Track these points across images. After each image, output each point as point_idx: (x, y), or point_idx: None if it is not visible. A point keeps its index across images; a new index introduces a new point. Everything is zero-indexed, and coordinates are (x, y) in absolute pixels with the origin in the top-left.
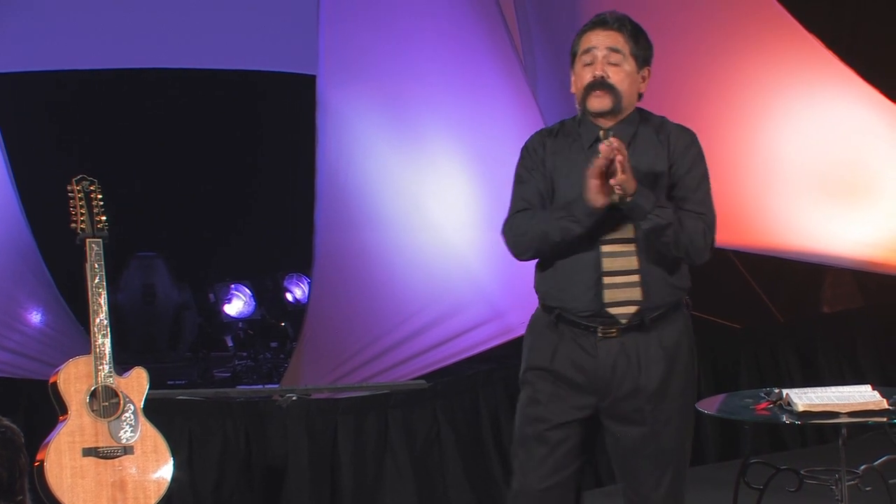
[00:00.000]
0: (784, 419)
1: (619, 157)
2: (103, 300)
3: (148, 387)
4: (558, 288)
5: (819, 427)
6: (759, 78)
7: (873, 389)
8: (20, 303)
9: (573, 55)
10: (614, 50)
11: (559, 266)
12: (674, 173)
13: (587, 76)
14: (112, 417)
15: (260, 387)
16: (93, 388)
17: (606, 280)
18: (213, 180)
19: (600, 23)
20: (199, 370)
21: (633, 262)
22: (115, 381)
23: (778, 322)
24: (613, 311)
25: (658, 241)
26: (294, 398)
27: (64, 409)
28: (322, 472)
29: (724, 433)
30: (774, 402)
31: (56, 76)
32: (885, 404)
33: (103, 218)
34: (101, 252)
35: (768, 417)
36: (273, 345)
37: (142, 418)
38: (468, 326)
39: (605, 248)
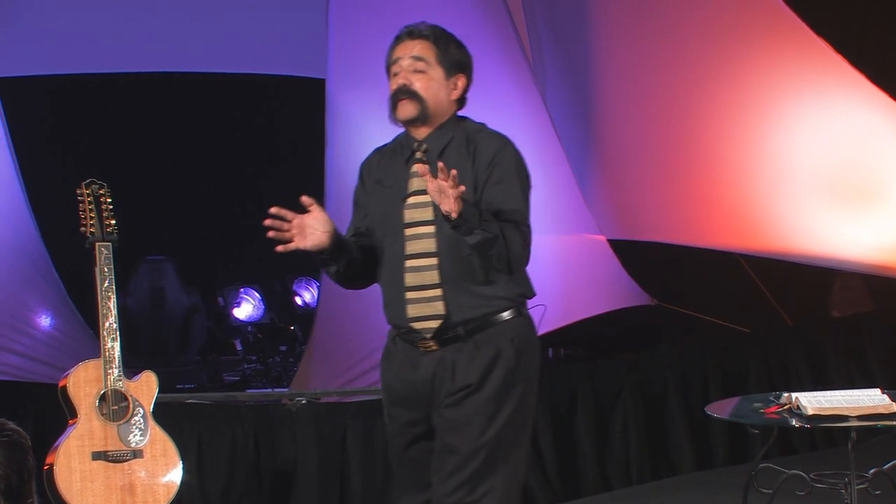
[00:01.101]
0: (793, 423)
1: (430, 185)
2: (113, 304)
3: (157, 390)
4: (385, 304)
5: (828, 430)
6: (769, 81)
7: (882, 393)
8: (29, 306)
9: (386, 69)
10: (418, 58)
11: (382, 283)
12: (480, 183)
13: (393, 86)
14: (121, 421)
15: (269, 390)
16: (102, 392)
17: (409, 295)
18: (222, 183)
19: (407, 34)
20: (209, 374)
21: (434, 277)
22: (124, 385)
23: (787, 326)
24: (417, 325)
25: (483, 256)
26: (303, 402)
27: (73, 413)
28: (331, 476)
29: (733, 437)
30: (784, 406)
31: (65, 80)
32: (894, 408)
33: (112, 221)
34: (111, 256)
35: (778, 421)
36: (282, 348)
37: (151, 422)
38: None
39: (409, 264)
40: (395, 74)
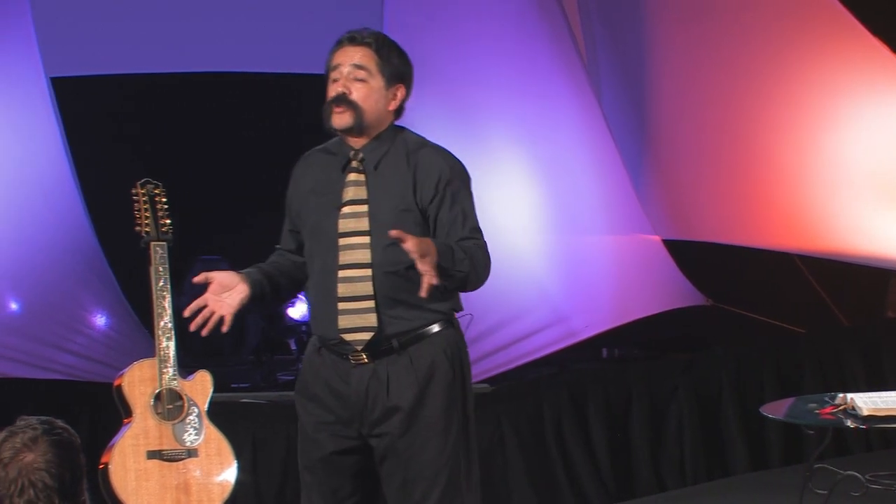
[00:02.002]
0: (848, 423)
1: (418, 264)
2: (167, 303)
3: (212, 390)
4: (312, 315)
5: (884, 431)
6: (824, 81)
7: None
8: (85, 306)
9: (326, 74)
10: (359, 66)
11: (311, 293)
12: (425, 201)
13: (331, 93)
14: (176, 420)
15: None
16: (157, 391)
17: (341, 306)
18: (277, 183)
19: (349, 39)
20: (263, 373)
21: (367, 288)
22: (179, 384)
23: (842, 326)
24: (348, 337)
25: (454, 288)
26: None
27: (128, 412)
28: None
29: (788, 438)
30: (839, 407)
31: (121, 79)
32: None
33: (168, 221)
34: (166, 255)
35: (833, 422)
36: None
37: (206, 421)
38: (531, 330)
39: (342, 274)
40: (335, 81)
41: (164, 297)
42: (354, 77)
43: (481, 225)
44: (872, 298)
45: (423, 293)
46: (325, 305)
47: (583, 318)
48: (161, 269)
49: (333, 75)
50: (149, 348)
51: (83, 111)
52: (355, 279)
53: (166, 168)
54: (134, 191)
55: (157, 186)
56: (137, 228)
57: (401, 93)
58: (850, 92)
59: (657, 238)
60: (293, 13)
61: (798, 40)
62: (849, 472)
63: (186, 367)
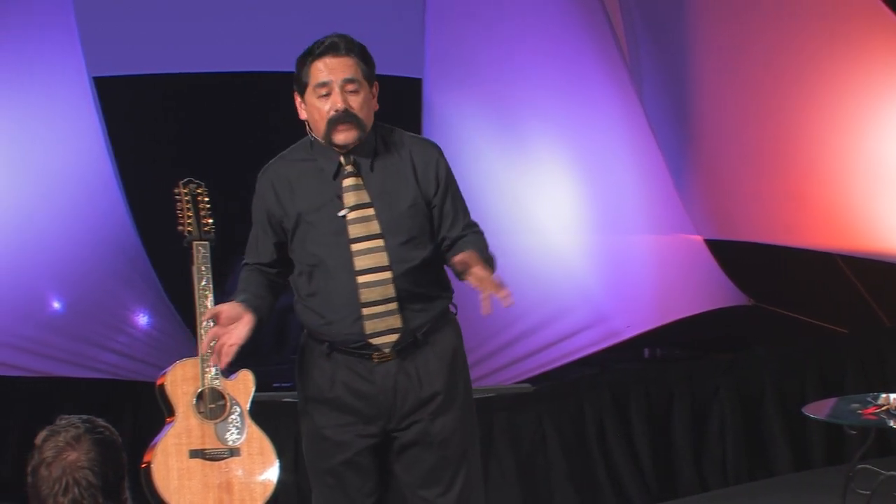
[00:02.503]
0: (891, 424)
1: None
2: (210, 303)
3: (254, 389)
4: (323, 322)
5: None
6: (866, 80)
7: None
8: (127, 305)
9: (302, 84)
10: (350, 80)
11: (319, 301)
12: (429, 196)
13: (326, 109)
14: (218, 419)
15: None
16: (199, 391)
17: (366, 311)
18: None
19: (331, 49)
20: None
21: (388, 291)
22: (221, 384)
23: (885, 326)
24: (375, 341)
25: None
26: None
27: (171, 411)
28: None
29: (830, 438)
30: (881, 407)
31: (163, 79)
32: None
33: (210, 221)
34: (208, 255)
35: (875, 422)
36: None
37: (248, 420)
38: (573, 330)
39: (361, 279)
40: (325, 96)
41: (206, 297)
42: (348, 91)
43: (523, 225)
44: None
45: (486, 311)
46: (343, 312)
47: (624, 319)
48: (203, 268)
49: (322, 90)
50: (191, 347)
51: (126, 111)
52: (376, 283)
53: (209, 167)
54: (176, 190)
55: (199, 186)
56: (180, 228)
57: (376, 90)
58: (892, 91)
59: (699, 238)
60: (337, 13)
61: (840, 39)
62: (891, 473)
63: (228, 366)
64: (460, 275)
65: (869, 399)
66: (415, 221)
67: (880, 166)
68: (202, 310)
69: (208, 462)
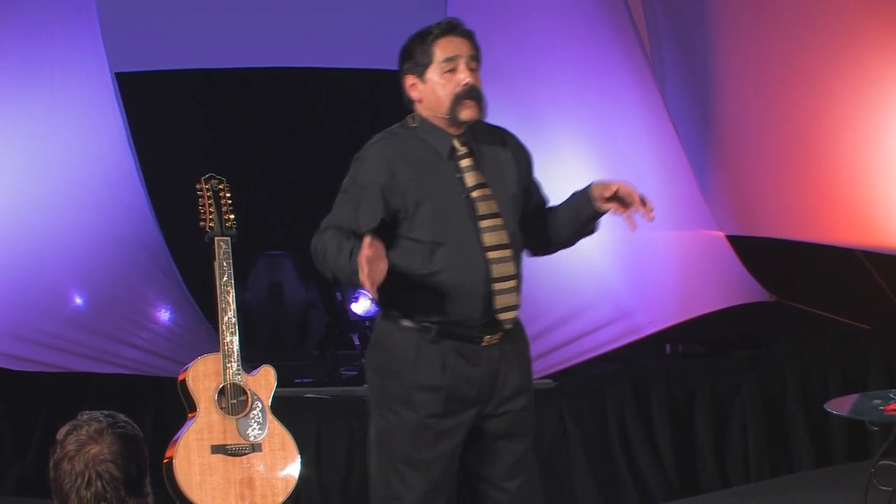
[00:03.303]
0: None
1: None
2: (231, 298)
3: (276, 384)
4: (445, 300)
5: None
6: (889, 76)
7: None
8: (149, 301)
9: (422, 62)
10: (474, 58)
11: (445, 278)
12: (526, 184)
13: (453, 85)
14: (240, 415)
15: None
16: (221, 386)
17: (496, 287)
18: (340, 179)
19: (455, 28)
20: (326, 368)
21: (511, 268)
22: (243, 379)
23: None
24: (502, 316)
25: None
26: None
27: (193, 407)
28: None
29: (852, 434)
30: None
31: (186, 75)
32: None
33: (231, 216)
34: (230, 250)
35: None
36: None
37: (270, 416)
38: (594, 326)
39: (491, 255)
40: (452, 71)
41: (228, 292)
42: (471, 68)
43: None
44: None
45: (634, 227)
46: (474, 288)
47: (646, 314)
48: (225, 264)
49: (449, 65)
50: (213, 343)
51: (148, 106)
52: (502, 260)
53: (230, 163)
54: (198, 186)
55: (221, 182)
56: (202, 223)
57: None
58: None
59: (721, 234)
60: (359, 10)
61: (864, 35)
62: None
63: (250, 361)
64: (594, 203)
65: (891, 395)
66: (518, 204)
67: None
68: (224, 306)
69: (230, 457)
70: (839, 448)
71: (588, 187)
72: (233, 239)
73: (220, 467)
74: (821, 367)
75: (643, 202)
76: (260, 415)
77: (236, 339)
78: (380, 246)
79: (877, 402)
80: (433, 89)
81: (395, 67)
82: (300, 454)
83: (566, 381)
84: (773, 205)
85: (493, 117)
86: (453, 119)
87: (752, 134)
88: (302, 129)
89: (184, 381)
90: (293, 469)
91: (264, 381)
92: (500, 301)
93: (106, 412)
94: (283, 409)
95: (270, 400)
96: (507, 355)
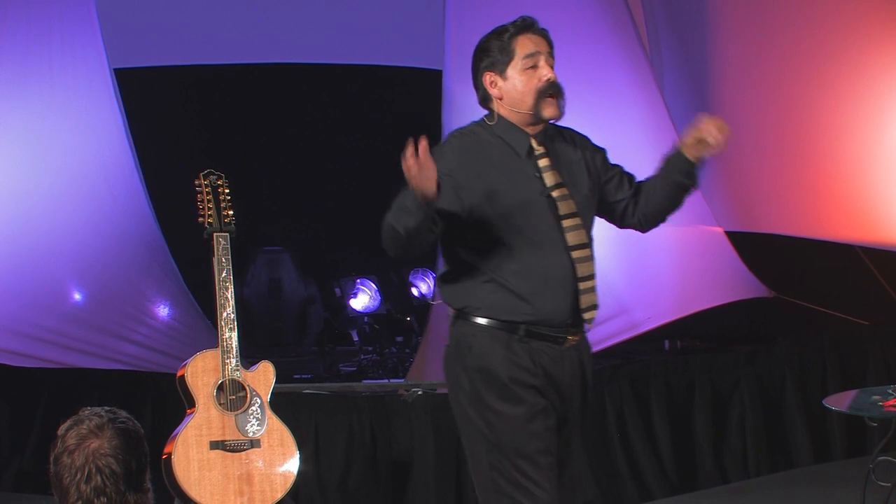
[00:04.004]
0: None
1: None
2: (230, 294)
3: (274, 380)
4: (535, 301)
5: None
6: (886, 72)
7: None
8: (148, 296)
9: (502, 59)
10: (551, 54)
11: (527, 277)
12: (602, 174)
13: (535, 81)
14: (239, 411)
15: (385, 381)
16: (220, 382)
17: (581, 285)
18: (339, 175)
19: (530, 26)
20: (325, 364)
21: (592, 267)
22: (241, 375)
23: None
24: (586, 315)
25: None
26: (419, 393)
27: (191, 402)
28: (447, 467)
29: (851, 430)
30: None
31: (183, 70)
32: None
33: (230, 212)
34: (229, 246)
35: None
36: (398, 339)
37: (268, 412)
38: (594, 322)
39: (575, 254)
40: (532, 68)
41: (226, 288)
42: (551, 66)
43: None
44: None
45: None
46: (558, 287)
47: (645, 310)
48: (224, 259)
49: (530, 62)
50: (211, 339)
51: (146, 102)
52: (584, 259)
53: (229, 159)
54: (197, 182)
55: (219, 177)
56: (200, 219)
57: None
58: None
59: (720, 229)
60: (358, 5)
61: (861, 31)
62: None
63: (249, 357)
64: (686, 154)
65: (890, 391)
66: (591, 205)
67: None
68: (222, 301)
69: (229, 453)
70: (838, 444)
71: (678, 143)
72: (231, 235)
73: (218, 463)
74: (819, 363)
75: (713, 125)
76: (259, 411)
77: (235, 335)
78: (425, 151)
79: (875, 397)
80: (514, 86)
81: (392, 63)
82: (299, 450)
83: None
84: (772, 200)
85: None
86: (535, 116)
87: (751, 129)
88: (301, 124)
89: (182, 376)
90: (292, 465)
91: (263, 377)
92: (584, 300)
93: (107, 408)
94: (281, 405)
95: (269, 396)
96: (582, 357)
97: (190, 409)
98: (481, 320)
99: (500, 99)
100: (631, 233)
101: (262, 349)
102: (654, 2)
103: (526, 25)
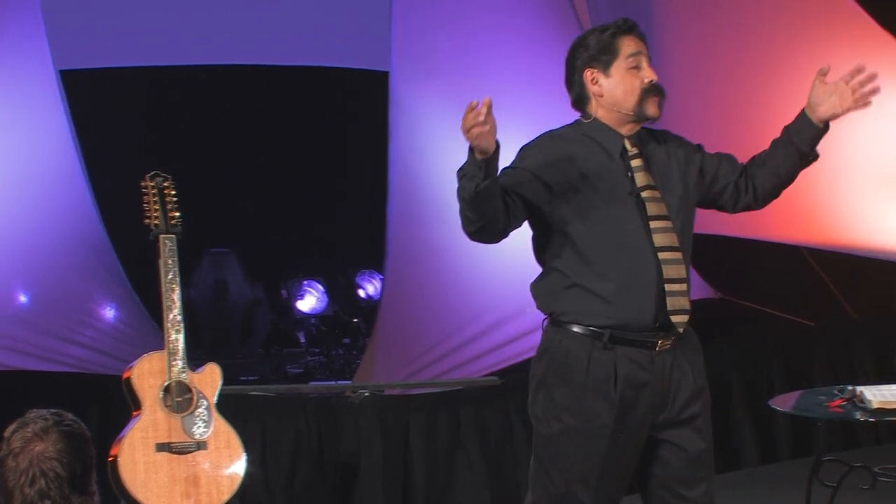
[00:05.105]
0: (858, 416)
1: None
2: (176, 296)
3: (221, 382)
4: (617, 303)
5: (893, 424)
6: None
7: None
8: (94, 298)
9: (606, 58)
10: (650, 58)
11: (613, 281)
12: (697, 173)
13: (638, 81)
14: (185, 413)
15: (332, 383)
16: (166, 384)
17: (668, 287)
18: (286, 176)
19: (633, 28)
20: (272, 366)
21: (682, 271)
22: (188, 377)
23: (852, 319)
24: (674, 319)
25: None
26: (366, 394)
27: (137, 405)
28: (394, 469)
29: (797, 430)
30: (848, 400)
31: (130, 72)
32: None
33: (177, 214)
34: (175, 248)
35: (842, 415)
36: (345, 341)
37: (215, 414)
38: (539, 323)
39: (663, 256)
40: (635, 68)
41: (173, 290)
42: (650, 67)
43: None
44: (882, 291)
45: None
46: (642, 289)
47: None
48: (170, 261)
49: (634, 62)
50: (158, 341)
51: (92, 104)
52: (673, 262)
53: (175, 161)
54: (143, 183)
55: (166, 179)
56: (147, 221)
57: None
58: None
59: None
60: (304, 7)
61: (805, 33)
62: (857, 465)
63: (195, 359)
64: (815, 113)
65: (835, 392)
66: (686, 208)
67: (847, 160)
68: (169, 303)
69: (175, 455)
70: (784, 444)
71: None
72: (178, 236)
73: (165, 465)
74: (765, 364)
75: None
76: (205, 413)
77: (181, 336)
78: (488, 106)
79: (821, 398)
80: (618, 84)
81: (338, 64)
82: (245, 452)
83: (512, 378)
84: None
85: (438, 113)
86: (638, 114)
87: (696, 130)
88: (247, 125)
89: (128, 378)
90: (238, 467)
91: (209, 379)
92: (672, 303)
93: (53, 410)
94: (228, 407)
95: (216, 398)
96: (679, 362)
97: (136, 411)
98: (567, 326)
99: (600, 97)
100: None
101: (209, 351)
102: (600, 7)
103: (629, 27)
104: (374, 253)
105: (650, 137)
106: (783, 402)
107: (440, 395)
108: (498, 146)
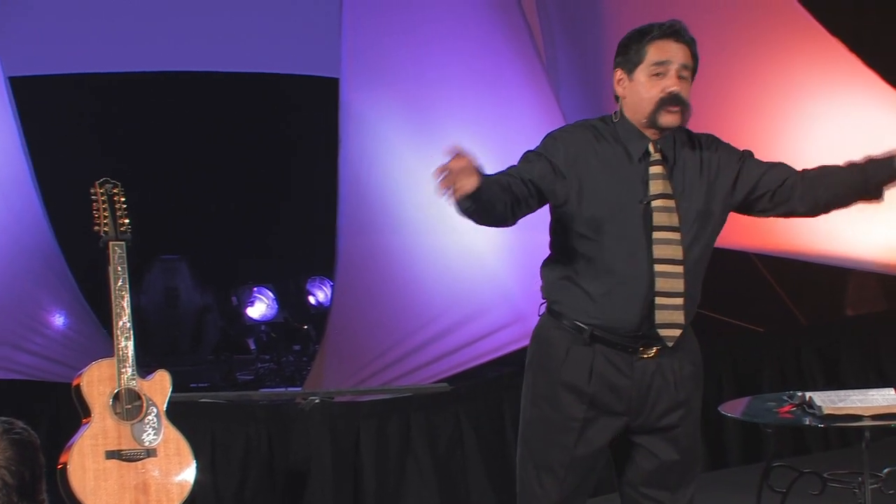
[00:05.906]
0: (807, 422)
1: None
2: (126, 303)
3: (171, 389)
4: (603, 305)
5: (842, 430)
6: (783, 80)
7: None
8: (43, 305)
9: (633, 61)
10: (685, 66)
11: (602, 282)
12: (738, 173)
13: (657, 90)
14: (135, 420)
15: (283, 390)
16: (116, 391)
17: (659, 301)
18: (236, 183)
19: (674, 33)
20: (222, 373)
21: (679, 285)
22: (138, 384)
23: (801, 325)
24: (662, 332)
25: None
26: (317, 401)
27: (87, 412)
28: (345, 475)
29: (746, 436)
30: (797, 406)
31: (79, 79)
32: None
33: (126, 221)
34: (124, 255)
35: (791, 420)
36: (296, 348)
37: (164, 421)
38: (491, 329)
39: (659, 268)
40: (660, 75)
41: (122, 297)
42: (680, 76)
43: (440, 225)
44: (831, 297)
45: None
46: (629, 296)
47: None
48: (120, 268)
49: (659, 70)
50: (107, 348)
51: (41, 111)
52: (670, 275)
53: (125, 167)
54: (92, 190)
55: (115, 186)
56: (96, 228)
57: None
58: (808, 91)
59: None
60: (254, 13)
61: (757, 40)
62: (807, 471)
63: (145, 366)
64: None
65: (785, 398)
66: (702, 225)
67: (796, 165)
68: (118, 310)
69: (125, 463)
70: (733, 450)
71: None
72: (127, 243)
73: (114, 473)
74: (715, 370)
75: None
76: (155, 420)
77: (131, 343)
78: (469, 158)
79: (771, 404)
80: (637, 89)
81: (288, 71)
82: (195, 459)
83: (462, 384)
84: None
85: (388, 120)
86: (652, 123)
87: None
88: (197, 132)
89: (78, 386)
90: (188, 474)
91: (159, 386)
92: (661, 316)
93: (3, 418)
94: (178, 414)
95: (165, 405)
96: (663, 371)
97: (85, 418)
98: (558, 317)
99: (624, 99)
100: (526, 240)
101: (159, 358)
102: (550, 10)
103: (673, 31)
104: (324, 260)
105: (687, 141)
106: (733, 408)
107: (390, 401)
108: (481, 175)
